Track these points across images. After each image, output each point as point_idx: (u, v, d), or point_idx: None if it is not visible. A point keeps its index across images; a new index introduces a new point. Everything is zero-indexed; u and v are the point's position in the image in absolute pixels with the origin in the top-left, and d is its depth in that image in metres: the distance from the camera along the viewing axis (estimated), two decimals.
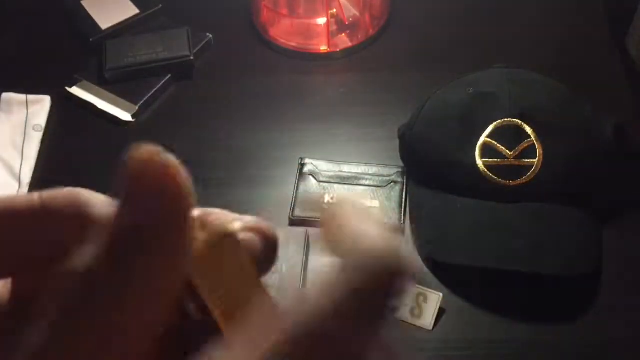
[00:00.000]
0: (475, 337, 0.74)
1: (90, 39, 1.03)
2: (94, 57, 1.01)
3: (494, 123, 0.79)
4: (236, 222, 0.23)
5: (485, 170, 0.78)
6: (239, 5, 1.09)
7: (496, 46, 1.02)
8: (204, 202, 0.22)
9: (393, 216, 0.83)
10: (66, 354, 0.18)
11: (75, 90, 0.98)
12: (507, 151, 0.78)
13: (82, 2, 1.08)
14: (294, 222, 0.84)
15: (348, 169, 0.87)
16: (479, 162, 0.78)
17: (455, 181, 0.80)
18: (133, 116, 0.95)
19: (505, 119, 0.79)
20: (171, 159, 0.19)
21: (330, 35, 1.02)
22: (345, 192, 0.86)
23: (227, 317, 0.21)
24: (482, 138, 0.79)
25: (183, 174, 0.19)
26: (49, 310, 0.18)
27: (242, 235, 0.22)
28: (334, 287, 0.18)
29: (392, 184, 0.86)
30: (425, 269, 0.79)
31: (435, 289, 0.76)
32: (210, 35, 1.04)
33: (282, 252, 0.83)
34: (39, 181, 0.89)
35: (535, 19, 1.05)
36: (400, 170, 0.87)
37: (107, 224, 0.19)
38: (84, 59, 1.02)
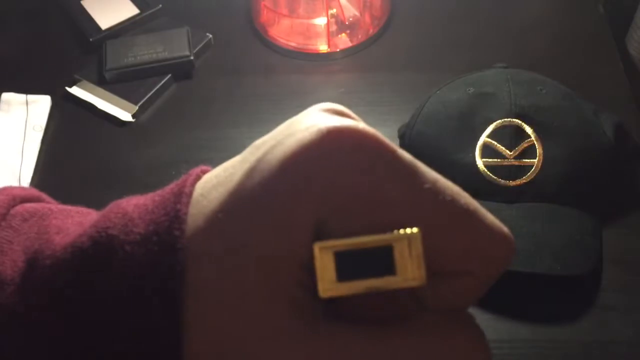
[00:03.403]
0: None
1: (90, 39, 1.03)
2: (94, 57, 1.01)
3: (494, 123, 0.79)
4: None
5: (485, 170, 0.78)
6: (239, 5, 1.09)
7: (496, 46, 1.02)
8: None
9: None
10: None
11: (75, 90, 0.98)
12: (507, 151, 0.78)
13: (82, 2, 1.08)
14: None
15: None
16: (479, 162, 0.79)
17: (455, 181, 0.79)
18: (133, 116, 0.95)
19: (505, 119, 0.79)
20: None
21: (330, 35, 1.02)
22: None
23: None
24: (482, 138, 0.79)
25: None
26: None
27: None
28: None
29: None
30: None
31: None
32: (210, 35, 1.04)
33: None
34: (39, 181, 0.89)
35: (535, 19, 1.05)
36: None
37: None
38: (84, 59, 1.02)
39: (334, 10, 1.00)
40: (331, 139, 0.21)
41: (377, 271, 0.20)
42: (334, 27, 1.02)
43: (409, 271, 0.20)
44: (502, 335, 0.74)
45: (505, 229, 0.23)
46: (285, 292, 0.21)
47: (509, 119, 0.79)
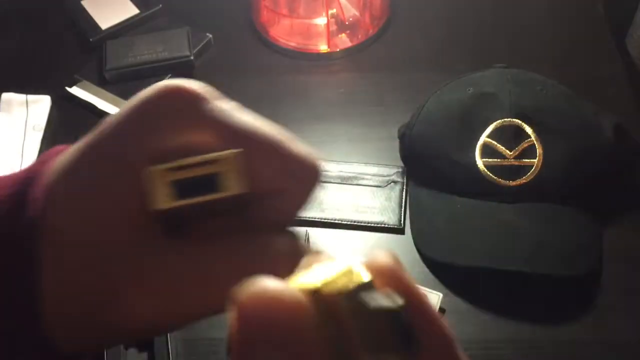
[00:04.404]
0: (475, 337, 0.74)
1: (90, 39, 1.03)
2: (94, 57, 1.01)
3: (494, 123, 0.79)
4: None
5: (485, 170, 0.78)
6: (239, 5, 1.09)
7: (496, 46, 1.02)
8: None
9: (393, 216, 0.83)
10: None
11: (75, 90, 0.98)
12: (507, 151, 0.78)
13: (82, 2, 1.08)
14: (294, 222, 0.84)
15: (348, 169, 0.87)
16: (479, 162, 0.79)
17: (455, 181, 0.80)
18: None
19: (505, 119, 0.79)
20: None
21: (330, 35, 1.02)
22: (344, 193, 0.86)
23: None
24: (482, 138, 0.79)
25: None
26: None
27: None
28: None
29: (392, 184, 0.86)
30: (425, 269, 0.79)
31: (435, 289, 0.76)
32: (210, 35, 1.04)
33: None
34: None
35: (535, 19, 1.05)
36: (400, 170, 0.87)
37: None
38: (84, 59, 1.02)
39: (334, 10, 1.00)
40: (160, 94, 0.26)
41: (206, 190, 0.25)
42: (334, 27, 1.02)
43: (232, 185, 0.25)
44: (502, 335, 0.74)
45: (313, 153, 0.28)
46: (128, 217, 0.25)
47: (509, 119, 0.79)
